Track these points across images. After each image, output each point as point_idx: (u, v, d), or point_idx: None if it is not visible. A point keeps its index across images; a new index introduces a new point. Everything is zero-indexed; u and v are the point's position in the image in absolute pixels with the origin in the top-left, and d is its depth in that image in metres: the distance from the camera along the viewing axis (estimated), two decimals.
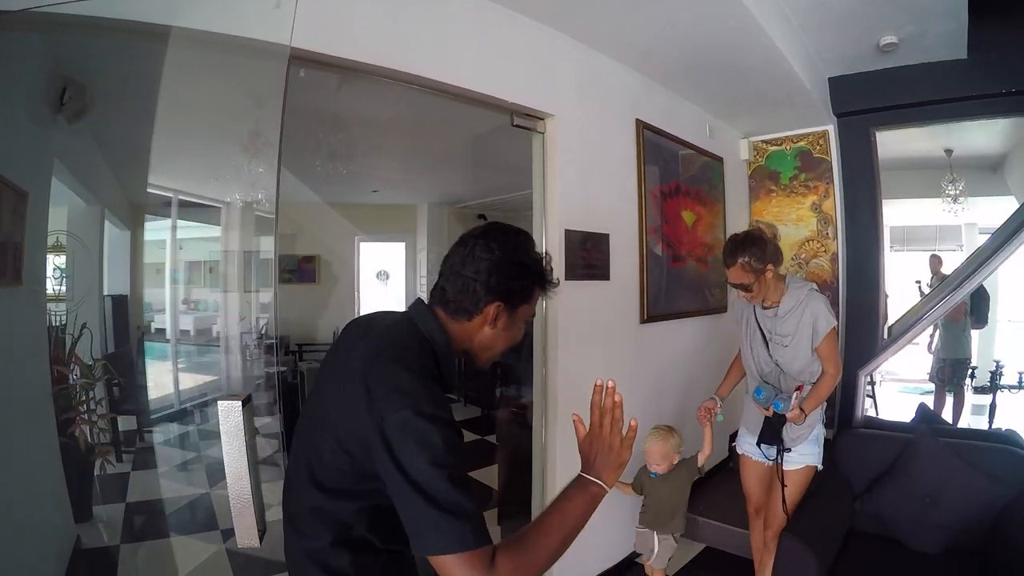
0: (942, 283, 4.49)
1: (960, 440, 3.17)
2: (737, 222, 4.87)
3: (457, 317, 1.38)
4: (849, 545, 2.98)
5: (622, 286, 3.60)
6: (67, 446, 2.56)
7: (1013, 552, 2.64)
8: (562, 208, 3.19)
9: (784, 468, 2.86)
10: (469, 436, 5.83)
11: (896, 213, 6.36)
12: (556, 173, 3.18)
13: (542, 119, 3.21)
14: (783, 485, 2.86)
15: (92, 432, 2.77)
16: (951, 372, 5.25)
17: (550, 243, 3.18)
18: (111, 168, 3.76)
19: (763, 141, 5.05)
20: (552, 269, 1.46)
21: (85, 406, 2.72)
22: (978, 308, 5.30)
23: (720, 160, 4.70)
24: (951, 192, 5.85)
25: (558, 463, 3.20)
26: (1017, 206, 4.05)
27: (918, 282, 5.90)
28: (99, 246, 3.10)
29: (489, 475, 4.47)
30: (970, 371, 5.14)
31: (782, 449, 2.83)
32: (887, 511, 3.09)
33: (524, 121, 3.15)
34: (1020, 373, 5.08)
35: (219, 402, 1.97)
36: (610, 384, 1.39)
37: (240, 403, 1.98)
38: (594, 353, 3.39)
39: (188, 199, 3.76)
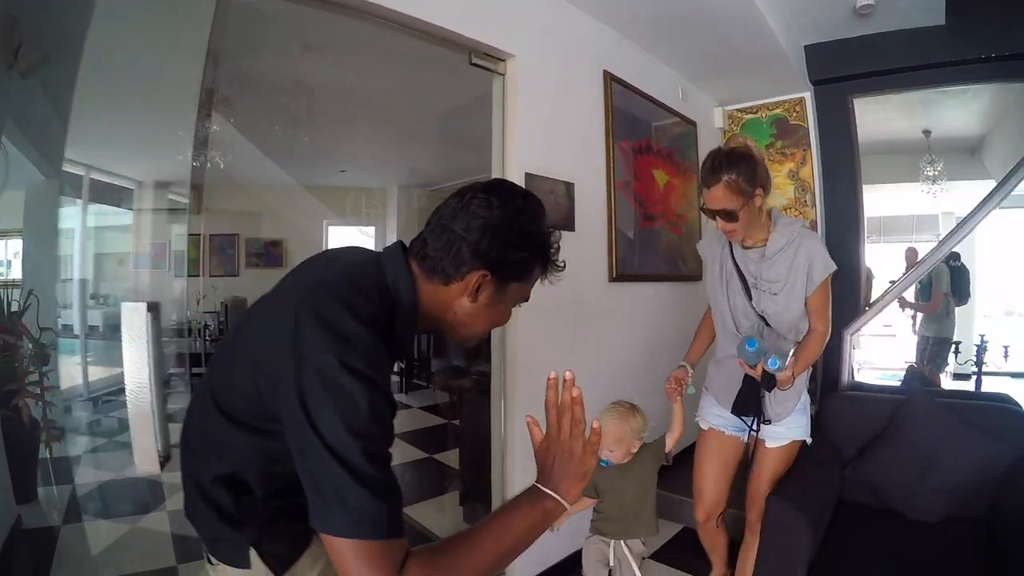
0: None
1: (956, 400, 2.82)
2: None
3: (432, 277, 1.13)
4: (839, 517, 2.58)
5: (589, 239, 3.23)
6: (9, 420, 2.33)
7: (1017, 517, 2.28)
8: (523, 151, 2.84)
9: (767, 445, 2.36)
10: (438, 420, 5.50)
11: (874, 202, 6.09)
12: (517, 115, 2.84)
13: (503, 60, 2.87)
14: (749, 461, 2.41)
15: (41, 408, 2.53)
16: (935, 351, 4.92)
17: None
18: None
19: (738, 110, 4.71)
20: (559, 248, 1.21)
21: (34, 377, 2.49)
22: (959, 287, 5.00)
23: (693, 124, 4.36)
24: (930, 173, 5.57)
25: (517, 438, 2.82)
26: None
27: (892, 282, 5.60)
28: (54, 224, 2.87)
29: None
30: (954, 347, 4.80)
31: (761, 420, 2.29)
32: (880, 478, 2.71)
33: (483, 61, 2.82)
34: (1005, 347, 4.77)
35: (122, 304, 1.87)
36: (567, 376, 1.10)
37: (144, 305, 1.87)
38: (559, 311, 3.01)
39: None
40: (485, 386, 3.01)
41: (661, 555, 3.24)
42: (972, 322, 5.81)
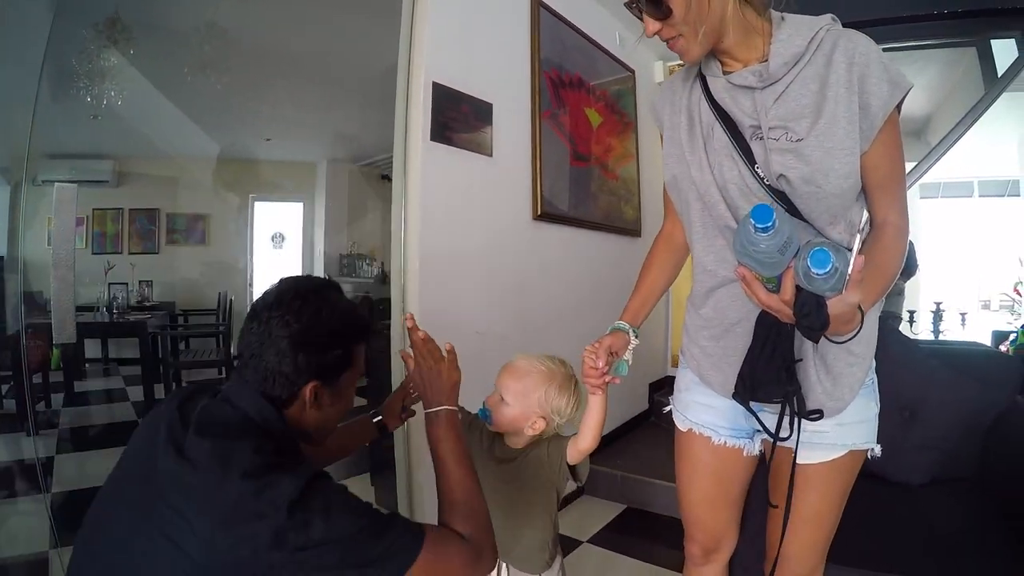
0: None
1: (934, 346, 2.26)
2: (653, 151, 3.98)
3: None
4: None
5: (509, 168, 2.61)
6: None
7: (1010, 470, 1.80)
8: (431, 57, 2.25)
9: (805, 460, 1.15)
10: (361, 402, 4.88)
11: None
12: (427, 19, 2.24)
13: None
14: (777, 505, 1.19)
15: None
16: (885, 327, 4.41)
17: (412, 97, 2.23)
18: None
19: (680, 65, 4.10)
20: (367, 318, 1.15)
21: None
22: (908, 263, 4.50)
23: (632, 74, 3.78)
24: None
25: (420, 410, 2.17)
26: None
27: None
28: None
29: None
30: (909, 316, 4.27)
31: (799, 413, 1.05)
32: None
33: None
34: (962, 314, 4.30)
35: (56, 184, 1.89)
36: (408, 320, 1.27)
37: (75, 186, 1.93)
38: (471, 254, 2.40)
39: None
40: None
41: (599, 539, 2.66)
42: (919, 292, 5.30)
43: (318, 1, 3.49)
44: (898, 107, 1.02)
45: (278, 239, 6.14)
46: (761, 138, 1.06)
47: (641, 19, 1.08)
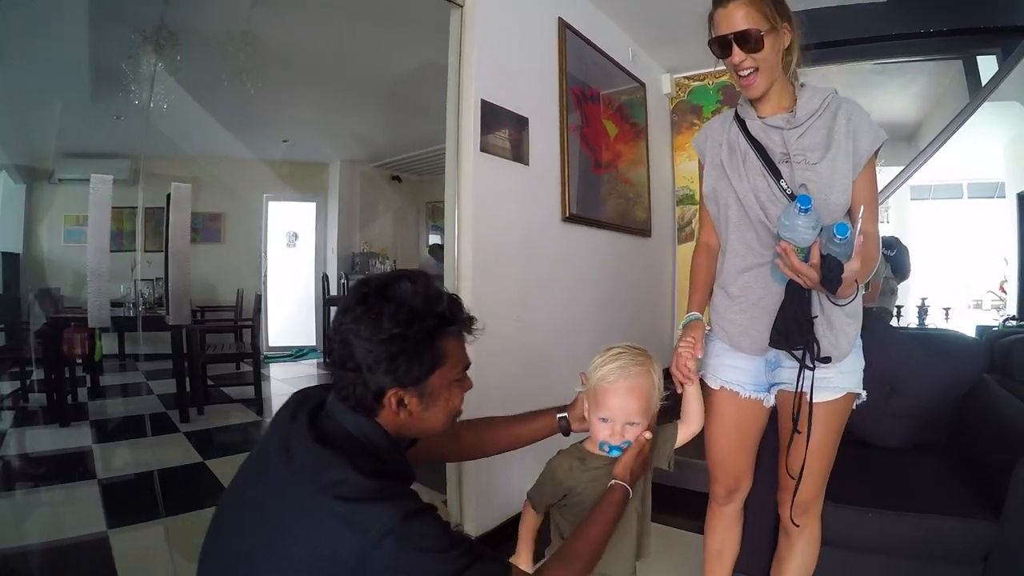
0: None
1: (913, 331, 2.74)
2: (660, 157, 4.49)
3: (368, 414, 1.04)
4: None
5: (543, 175, 3.07)
6: None
7: (976, 438, 2.26)
8: (479, 79, 2.68)
9: (815, 399, 1.59)
10: None
11: None
12: (474, 44, 2.67)
13: None
14: (801, 431, 1.60)
15: None
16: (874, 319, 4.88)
17: (463, 112, 2.65)
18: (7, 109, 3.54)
19: (686, 77, 4.66)
20: (456, 302, 1.09)
21: None
22: (900, 268, 4.99)
23: (643, 86, 4.25)
24: None
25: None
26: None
27: None
28: None
29: None
30: (896, 311, 4.76)
31: (815, 358, 1.50)
32: None
33: None
34: (946, 309, 4.78)
35: (92, 175, 2.06)
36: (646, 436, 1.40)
37: (111, 179, 2.12)
38: (508, 254, 2.83)
39: None
40: None
41: None
42: (909, 291, 5.81)
43: (338, 8, 3.82)
44: (875, 153, 1.56)
45: (292, 238, 6.50)
46: (787, 161, 1.59)
47: (720, 56, 1.59)
